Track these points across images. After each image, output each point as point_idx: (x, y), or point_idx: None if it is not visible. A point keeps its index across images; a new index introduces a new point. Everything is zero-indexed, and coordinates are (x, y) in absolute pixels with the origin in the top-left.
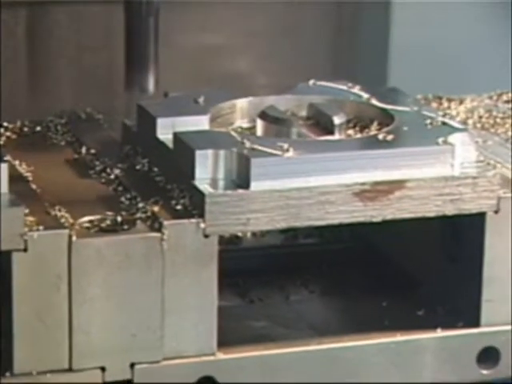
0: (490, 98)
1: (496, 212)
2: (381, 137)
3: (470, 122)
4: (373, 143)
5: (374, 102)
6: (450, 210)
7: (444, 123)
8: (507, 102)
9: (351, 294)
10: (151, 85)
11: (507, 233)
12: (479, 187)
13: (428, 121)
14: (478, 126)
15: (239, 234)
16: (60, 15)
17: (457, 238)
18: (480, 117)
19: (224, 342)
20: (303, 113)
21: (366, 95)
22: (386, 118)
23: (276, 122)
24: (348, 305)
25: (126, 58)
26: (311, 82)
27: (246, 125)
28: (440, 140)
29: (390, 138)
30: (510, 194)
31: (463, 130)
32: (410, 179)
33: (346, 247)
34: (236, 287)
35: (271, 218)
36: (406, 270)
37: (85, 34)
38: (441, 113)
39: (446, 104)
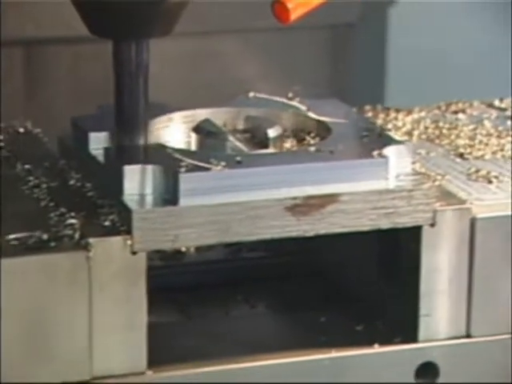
0: (439, 108)
1: (432, 225)
2: (314, 149)
3: (416, 132)
4: (306, 156)
5: (312, 114)
6: (384, 223)
7: (380, 135)
8: (455, 112)
9: (291, 309)
10: (141, 141)
11: (444, 246)
12: (414, 200)
13: (365, 133)
14: (424, 136)
15: (182, 249)
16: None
17: (394, 252)
18: (426, 128)
19: (156, 360)
20: (240, 126)
21: (304, 107)
22: (324, 131)
23: (210, 136)
24: (288, 321)
25: (116, 117)
26: (251, 94)
27: (182, 139)
28: (375, 153)
29: (323, 150)
30: (446, 207)
31: (399, 142)
32: (343, 193)
33: (287, 261)
34: (175, 304)
35: (200, 234)
36: (346, 284)
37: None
38: (379, 125)
39: (393, 115)
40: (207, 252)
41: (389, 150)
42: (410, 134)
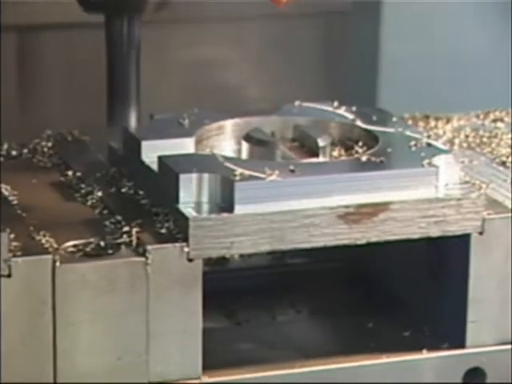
0: (477, 116)
1: (481, 233)
2: (365, 159)
3: (457, 141)
4: (357, 165)
5: (359, 123)
6: (434, 231)
7: (429, 144)
8: (494, 121)
9: (338, 314)
10: (133, 120)
11: (492, 254)
12: (463, 209)
13: (412, 142)
14: (465, 145)
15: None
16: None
17: (442, 259)
18: (466, 136)
19: (209, 365)
20: (289, 134)
21: (351, 116)
22: (371, 140)
23: (261, 144)
24: (334, 326)
25: (108, 93)
26: (297, 103)
27: (231, 147)
28: (424, 162)
29: (374, 159)
30: (494, 216)
31: (448, 152)
32: (394, 201)
33: (333, 267)
34: (223, 309)
35: (255, 242)
36: (393, 290)
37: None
38: (426, 133)
39: (432, 123)
40: (250, 258)
41: (438, 159)
42: (451, 142)
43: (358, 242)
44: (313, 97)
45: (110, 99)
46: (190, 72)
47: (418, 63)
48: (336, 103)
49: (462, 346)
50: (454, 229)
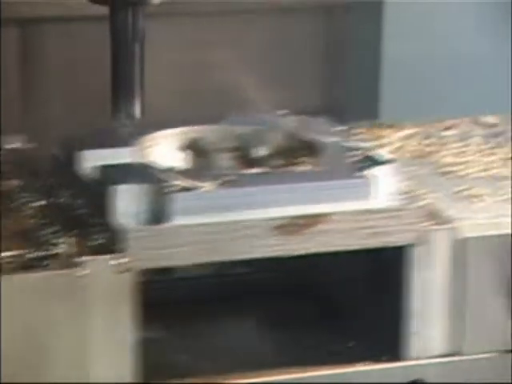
0: (431, 124)
1: (421, 244)
2: (303, 169)
3: (406, 149)
4: (295, 176)
5: (301, 132)
6: (373, 243)
7: (369, 155)
8: (447, 128)
9: (280, 325)
10: (137, 111)
11: (434, 265)
12: (403, 220)
13: (353, 152)
14: (414, 154)
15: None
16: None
17: (383, 271)
18: (416, 144)
19: (149, 376)
20: (231, 144)
21: (294, 126)
22: (311, 150)
23: (202, 155)
24: (276, 337)
25: (112, 85)
26: (242, 112)
27: (173, 156)
28: (363, 172)
29: (312, 170)
30: (434, 227)
31: (389, 162)
32: (332, 212)
33: (277, 277)
34: (165, 319)
35: (192, 253)
36: (335, 301)
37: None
38: (369, 144)
39: (384, 131)
40: (197, 267)
41: (377, 170)
42: (400, 150)
43: (295, 254)
44: (312, 97)
45: (115, 92)
46: (186, 71)
47: (419, 63)
48: (283, 112)
49: (402, 357)
50: (393, 240)
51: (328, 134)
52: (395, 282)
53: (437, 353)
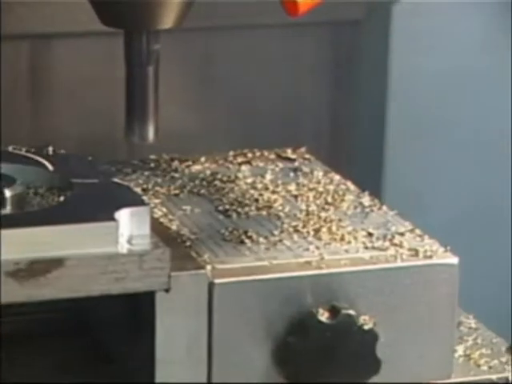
0: (225, 158)
1: (167, 290)
2: (47, 211)
3: (189, 186)
4: (35, 218)
5: (59, 171)
6: (116, 288)
7: (118, 196)
8: (241, 163)
9: (52, 367)
10: (151, 133)
11: (179, 312)
12: (146, 264)
13: (107, 193)
14: (196, 190)
15: None
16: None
17: (137, 317)
18: (202, 180)
19: None
20: None
21: (54, 164)
22: (66, 190)
23: None
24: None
25: (127, 106)
26: (10, 147)
27: None
28: (105, 215)
29: (56, 212)
30: (180, 272)
31: (135, 204)
32: (68, 257)
33: (58, 318)
34: None
35: None
36: (104, 344)
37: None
38: (125, 184)
39: (175, 164)
40: None
41: (122, 213)
42: (183, 187)
43: (33, 299)
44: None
45: (129, 114)
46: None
47: (427, 78)
48: (50, 148)
49: None
50: (137, 286)
51: (91, 172)
52: (146, 329)
53: None
